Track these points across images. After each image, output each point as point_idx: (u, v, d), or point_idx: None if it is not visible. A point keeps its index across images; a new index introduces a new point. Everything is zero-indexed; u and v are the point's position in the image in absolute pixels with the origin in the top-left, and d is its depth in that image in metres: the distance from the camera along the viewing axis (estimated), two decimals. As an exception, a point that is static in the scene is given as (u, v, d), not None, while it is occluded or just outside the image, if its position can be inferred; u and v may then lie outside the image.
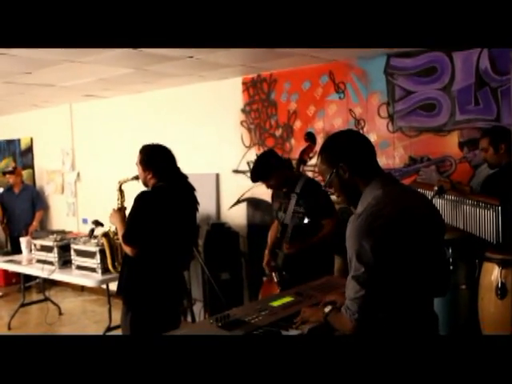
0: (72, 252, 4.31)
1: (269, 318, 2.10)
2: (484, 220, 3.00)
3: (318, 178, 3.66)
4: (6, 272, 6.54)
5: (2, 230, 6.65)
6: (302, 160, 3.42)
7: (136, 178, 3.06)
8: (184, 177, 3.01)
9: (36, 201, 6.63)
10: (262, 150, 4.65)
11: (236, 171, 5.05)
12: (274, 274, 3.36)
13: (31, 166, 7.41)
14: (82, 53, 3.58)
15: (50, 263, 4.42)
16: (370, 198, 1.70)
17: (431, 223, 1.76)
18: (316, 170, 4.00)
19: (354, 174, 1.76)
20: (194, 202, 3.08)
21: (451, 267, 3.20)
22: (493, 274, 2.97)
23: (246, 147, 4.97)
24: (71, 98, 6.09)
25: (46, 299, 5.68)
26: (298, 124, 4.60)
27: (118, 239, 3.35)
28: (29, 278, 5.55)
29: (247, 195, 4.99)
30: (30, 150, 7.41)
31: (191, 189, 3.05)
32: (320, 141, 3.69)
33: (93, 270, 4.11)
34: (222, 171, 5.16)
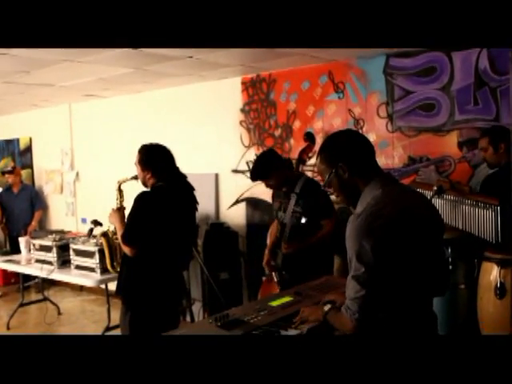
0: (71, 252, 4.31)
1: (268, 317, 2.10)
2: (483, 220, 3.00)
3: (318, 178, 3.66)
4: (4, 272, 6.53)
5: (1, 229, 6.66)
6: (302, 160, 3.43)
7: (135, 177, 3.06)
8: (183, 176, 3.01)
9: (35, 200, 6.63)
10: (261, 150, 4.64)
11: (235, 171, 5.04)
12: (273, 274, 3.36)
13: (30, 166, 7.40)
14: (81, 53, 3.58)
15: (49, 263, 4.42)
16: (370, 197, 1.70)
17: (431, 223, 1.77)
18: (315, 169, 3.99)
19: (353, 174, 1.76)
20: (193, 202, 3.07)
21: (450, 267, 3.20)
22: (492, 273, 2.97)
23: (245, 147, 4.97)
24: (71, 98, 6.09)
25: (45, 299, 5.67)
26: (297, 124, 4.59)
27: (116, 239, 3.35)
28: (28, 277, 5.55)
29: (246, 195, 4.98)
30: (29, 149, 7.41)
31: (190, 188, 3.05)
32: (319, 141, 3.71)
33: (92, 269, 4.11)
34: (221, 171, 5.16)
